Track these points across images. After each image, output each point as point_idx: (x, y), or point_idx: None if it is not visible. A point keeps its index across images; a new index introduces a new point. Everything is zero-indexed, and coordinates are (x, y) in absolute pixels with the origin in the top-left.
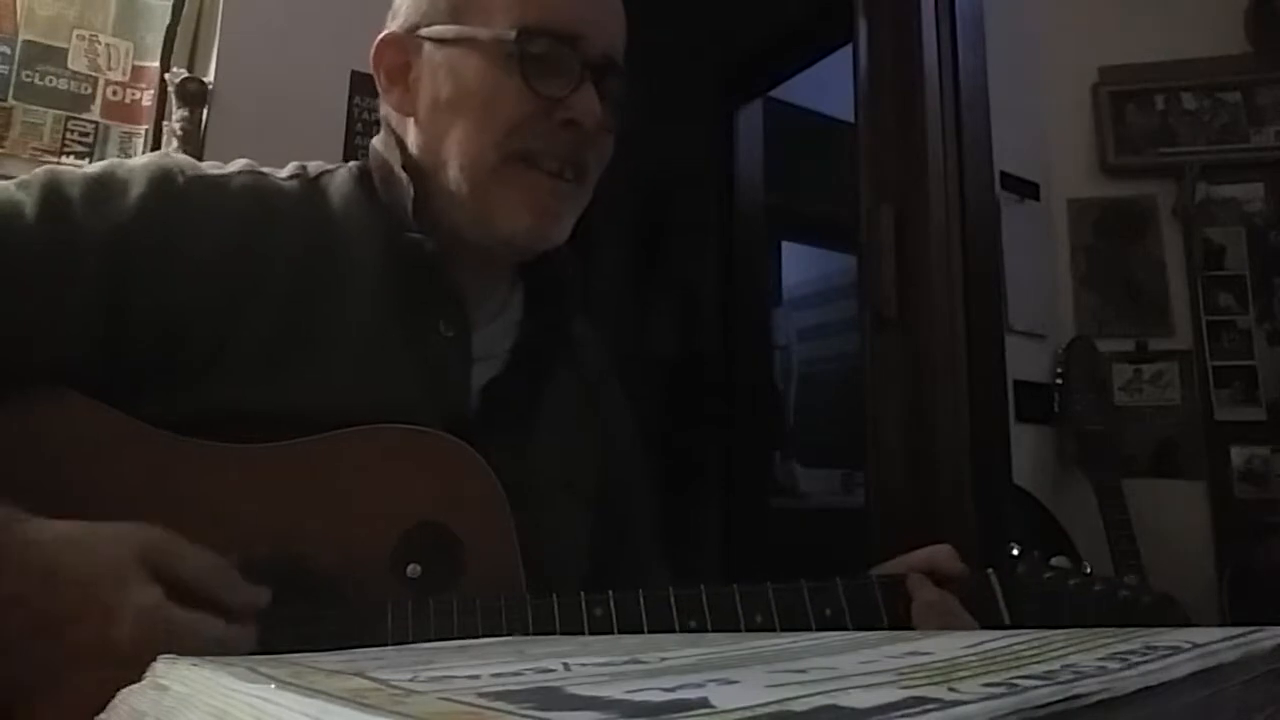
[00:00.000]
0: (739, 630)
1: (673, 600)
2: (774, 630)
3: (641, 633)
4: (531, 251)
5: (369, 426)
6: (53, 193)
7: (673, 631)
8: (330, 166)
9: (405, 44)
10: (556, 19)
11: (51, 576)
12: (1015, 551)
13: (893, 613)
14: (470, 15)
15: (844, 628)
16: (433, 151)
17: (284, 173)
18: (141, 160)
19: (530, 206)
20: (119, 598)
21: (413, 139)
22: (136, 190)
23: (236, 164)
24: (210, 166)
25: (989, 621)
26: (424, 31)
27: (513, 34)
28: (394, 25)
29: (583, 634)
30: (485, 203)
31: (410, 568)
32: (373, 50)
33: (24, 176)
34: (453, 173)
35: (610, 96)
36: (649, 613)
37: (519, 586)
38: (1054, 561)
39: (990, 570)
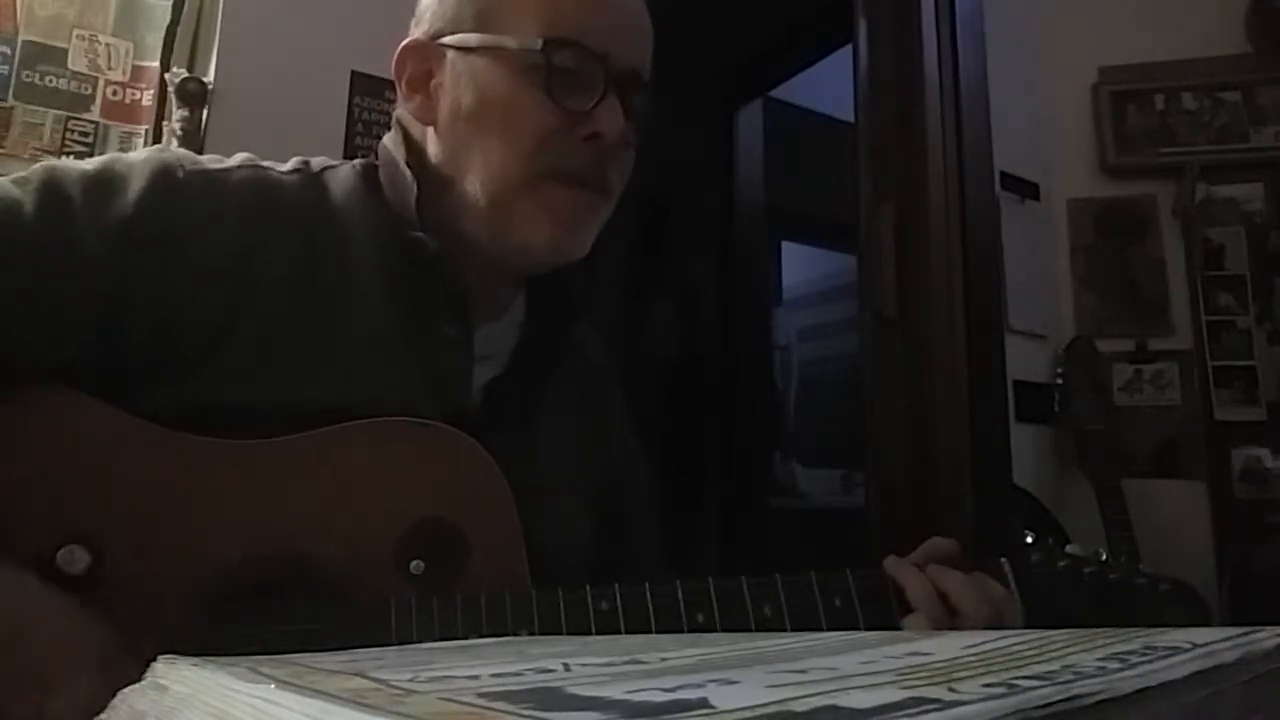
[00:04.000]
0: (748, 624)
1: (680, 594)
2: (783, 623)
3: (648, 627)
4: (550, 264)
5: (373, 420)
6: (52, 189)
7: (680, 626)
8: (333, 162)
9: (428, 51)
10: (584, 31)
11: (16, 639)
12: (1029, 539)
13: (903, 604)
14: (497, 24)
15: (854, 618)
16: (453, 161)
17: (285, 167)
18: (140, 155)
19: (552, 217)
20: (80, 678)
21: (432, 147)
22: (136, 185)
23: (237, 158)
24: (210, 160)
25: None
26: (448, 39)
27: (539, 44)
28: (417, 32)
29: (589, 629)
30: (506, 215)
31: (414, 564)
32: (394, 57)
33: (21, 173)
34: (472, 185)
35: (633, 111)
36: (656, 607)
37: (524, 583)
38: (1068, 549)
39: (1004, 559)
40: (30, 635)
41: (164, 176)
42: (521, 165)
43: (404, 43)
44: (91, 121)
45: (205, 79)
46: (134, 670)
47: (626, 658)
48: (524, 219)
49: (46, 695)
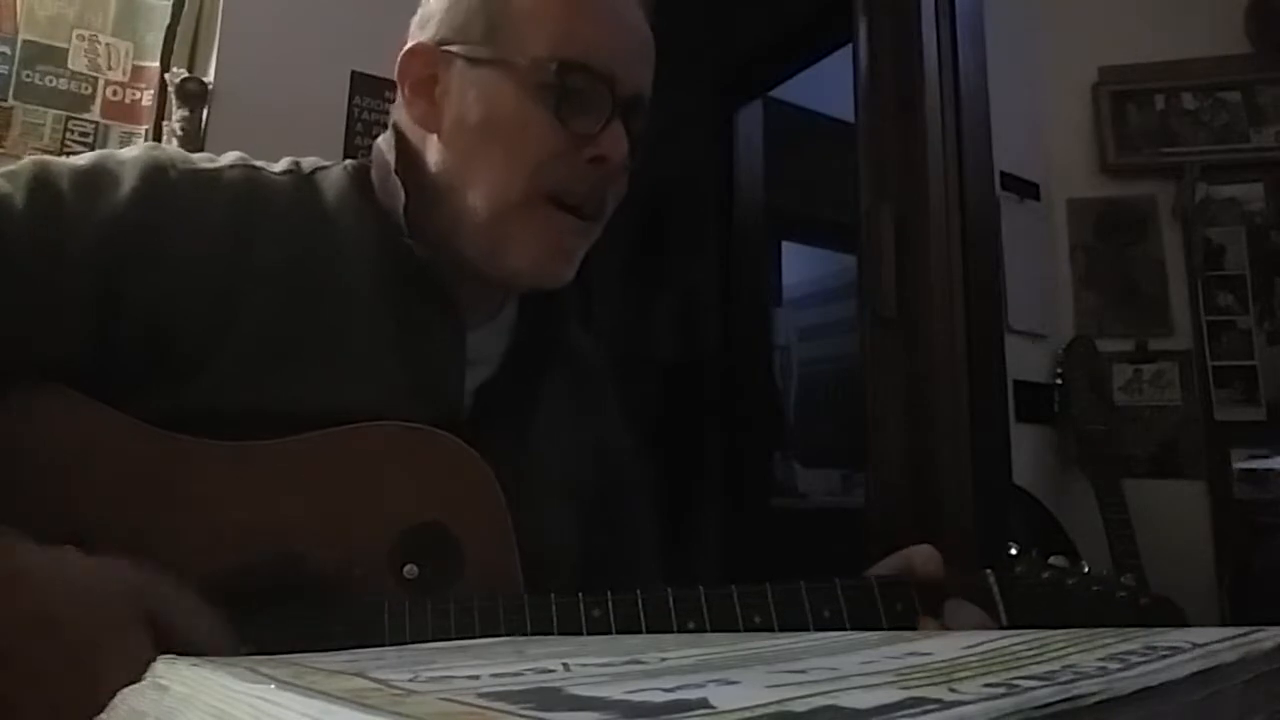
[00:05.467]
0: (738, 631)
1: (671, 601)
2: (773, 630)
3: (639, 634)
4: (533, 287)
5: (368, 424)
6: (42, 185)
7: (671, 632)
8: (325, 163)
9: (434, 57)
10: (594, 55)
11: (45, 625)
12: (1013, 551)
13: (892, 613)
14: (508, 40)
15: (843, 628)
16: (455, 171)
17: (277, 167)
18: (132, 152)
19: (546, 244)
20: (112, 655)
21: (433, 154)
22: (128, 183)
23: (228, 157)
24: (202, 159)
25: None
26: (456, 48)
27: (552, 66)
28: (422, 35)
29: (581, 635)
30: (502, 234)
31: (407, 568)
32: (399, 59)
33: (9, 168)
34: (474, 198)
35: (634, 134)
36: (647, 614)
37: (517, 588)
38: (1052, 560)
39: (988, 570)
40: (63, 614)
41: (155, 174)
42: (524, 183)
43: (409, 45)
44: (91, 121)
45: (205, 79)
46: (188, 608)
47: (626, 658)
48: (517, 241)
49: (92, 671)
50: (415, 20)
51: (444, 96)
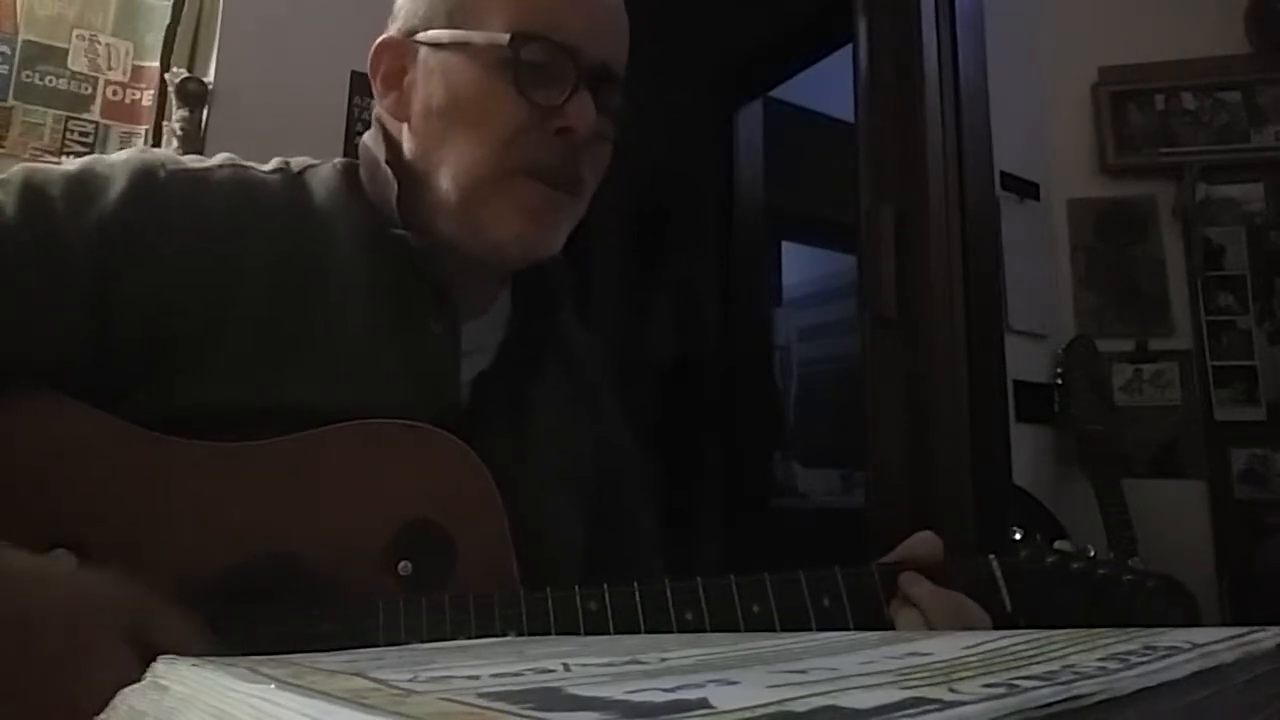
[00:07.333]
0: (736, 622)
1: (669, 593)
2: (772, 621)
3: (637, 626)
4: (523, 261)
5: (361, 421)
6: (32, 192)
7: (669, 625)
8: (314, 162)
9: (402, 48)
10: (553, 26)
11: (25, 628)
12: (1017, 536)
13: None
14: (467, 20)
15: (843, 617)
16: (425, 158)
17: (267, 167)
18: (121, 156)
19: (521, 213)
20: (93, 664)
21: (407, 143)
22: (118, 187)
23: (218, 158)
24: (192, 160)
25: (990, 607)
26: (421, 36)
27: (506, 39)
28: (392, 29)
29: (577, 629)
30: (477, 212)
31: (401, 565)
32: (370, 54)
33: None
34: (445, 182)
35: (608, 105)
36: (645, 606)
37: (513, 584)
38: (1057, 545)
39: (992, 556)
40: (45, 621)
41: (145, 177)
42: (492, 161)
43: (379, 40)
44: (91, 121)
45: (205, 79)
46: (174, 626)
47: (626, 658)
48: (493, 216)
49: (73, 682)
50: (390, 18)
51: (412, 86)
